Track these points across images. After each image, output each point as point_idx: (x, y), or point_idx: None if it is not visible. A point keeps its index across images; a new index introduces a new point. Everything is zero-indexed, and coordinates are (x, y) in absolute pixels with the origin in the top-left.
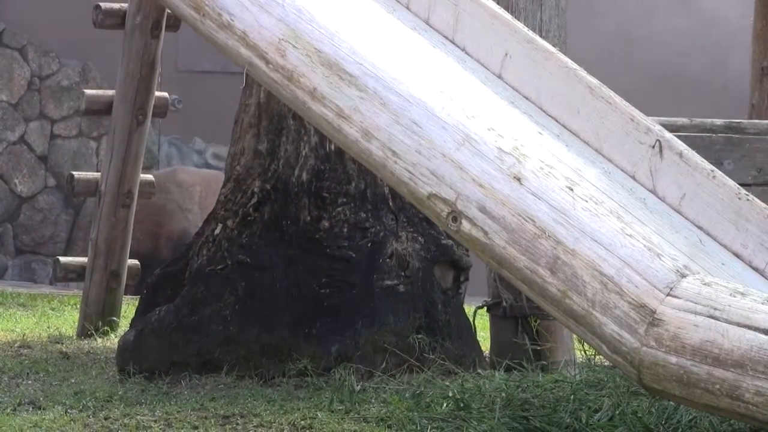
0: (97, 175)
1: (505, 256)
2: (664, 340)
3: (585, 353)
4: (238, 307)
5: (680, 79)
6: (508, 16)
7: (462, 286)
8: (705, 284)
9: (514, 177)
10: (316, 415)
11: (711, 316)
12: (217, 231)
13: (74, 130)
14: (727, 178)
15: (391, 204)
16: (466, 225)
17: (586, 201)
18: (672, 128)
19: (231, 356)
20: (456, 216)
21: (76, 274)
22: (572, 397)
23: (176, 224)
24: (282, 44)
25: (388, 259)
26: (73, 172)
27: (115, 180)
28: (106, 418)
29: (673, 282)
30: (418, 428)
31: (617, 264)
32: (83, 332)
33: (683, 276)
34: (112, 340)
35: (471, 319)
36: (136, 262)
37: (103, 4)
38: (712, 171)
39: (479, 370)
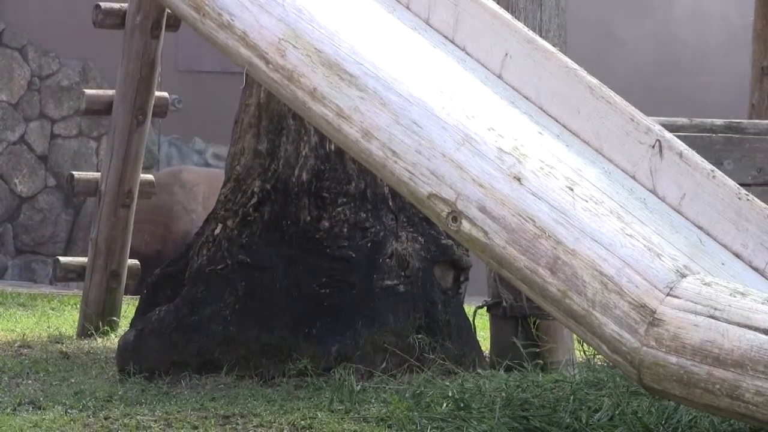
0: (97, 175)
1: (505, 256)
2: (664, 340)
3: (585, 353)
4: (238, 307)
5: (680, 79)
6: (508, 16)
7: (462, 286)
8: (705, 284)
9: (514, 177)
10: (316, 415)
11: (711, 316)
12: (217, 231)
13: (74, 130)
14: (727, 178)
15: (391, 204)
16: (466, 225)
17: (586, 201)
18: (672, 128)
19: (231, 356)
20: (456, 216)
21: (76, 274)
22: (572, 397)
23: (183, 225)
24: (282, 44)
25: (388, 259)
26: (73, 172)
27: (115, 180)
28: (106, 418)
29: (673, 282)
30: (418, 428)
31: (617, 264)
32: (83, 332)
33: (683, 276)
34: (112, 340)
35: (471, 319)
36: (136, 262)
37: (103, 4)
38: (712, 171)
39: (479, 370)
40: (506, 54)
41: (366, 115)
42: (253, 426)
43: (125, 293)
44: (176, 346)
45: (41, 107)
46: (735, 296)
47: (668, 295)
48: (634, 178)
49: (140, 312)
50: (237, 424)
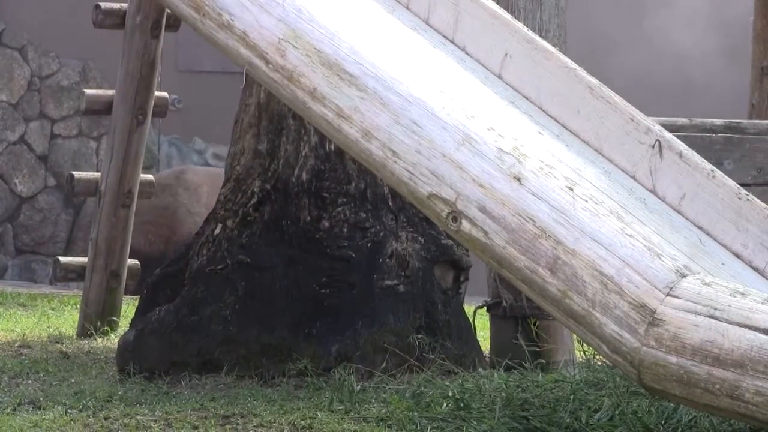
0: (97, 175)
1: (505, 256)
2: (664, 340)
3: (585, 353)
4: (238, 307)
5: (679, 79)
6: (508, 16)
7: (462, 286)
8: (705, 284)
9: (514, 177)
10: (316, 415)
11: (711, 316)
12: (217, 231)
13: (74, 130)
14: (727, 178)
15: (391, 204)
16: (466, 225)
17: (586, 201)
18: (672, 128)
19: (231, 356)
20: (456, 216)
21: (76, 274)
22: (572, 397)
23: (186, 226)
24: (282, 44)
25: (388, 259)
26: (73, 172)
27: (115, 180)
28: (106, 418)
29: (673, 282)
30: (418, 428)
31: (617, 264)
32: (83, 332)
33: (683, 276)
34: (112, 340)
35: (471, 319)
36: (136, 262)
37: (103, 4)
38: (712, 171)
39: (479, 370)
40: (506, 54)
41: (366, 115)
42: (253, 426)
43: (125, 293)
44: (176, 346)
45: (41, 107)
46: (735, 296)
47: (668, 295)
48: (634, 178)
49: (140, 312)
50: (237, 424)
